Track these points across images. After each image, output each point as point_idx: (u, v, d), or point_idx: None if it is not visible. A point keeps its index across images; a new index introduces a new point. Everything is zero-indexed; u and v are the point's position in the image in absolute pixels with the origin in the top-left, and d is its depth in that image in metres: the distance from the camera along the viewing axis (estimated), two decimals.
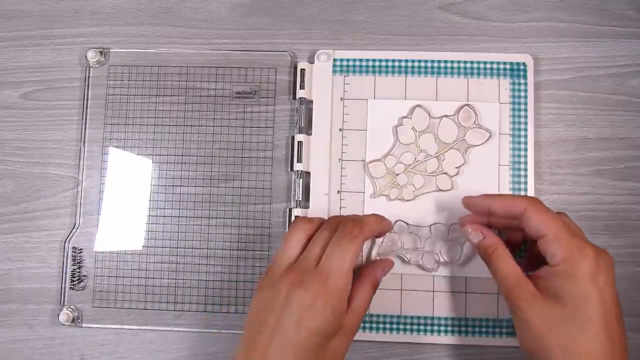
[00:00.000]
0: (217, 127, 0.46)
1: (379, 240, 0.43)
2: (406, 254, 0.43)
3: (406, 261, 0.43)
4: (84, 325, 0.44)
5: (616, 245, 0.43)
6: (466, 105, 0.44)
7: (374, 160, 0.44)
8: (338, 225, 0.37)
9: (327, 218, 0.39)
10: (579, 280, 0.34)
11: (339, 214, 0.44)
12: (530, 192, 0.43)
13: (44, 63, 0.47)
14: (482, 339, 0.42)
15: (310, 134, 0.44)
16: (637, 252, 0.43)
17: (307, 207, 0.44)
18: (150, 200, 0.45)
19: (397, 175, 0.44)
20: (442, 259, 0.42)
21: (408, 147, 0.44)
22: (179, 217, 0.45)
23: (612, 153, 0.44)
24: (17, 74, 0.47)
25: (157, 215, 0.45)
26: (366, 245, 0.43)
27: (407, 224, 0.43)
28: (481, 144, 0.43)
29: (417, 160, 0.44)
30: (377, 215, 0.40)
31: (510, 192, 0.43)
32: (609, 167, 0.44)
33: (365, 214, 0.43)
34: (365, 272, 0.39)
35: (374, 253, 0.43)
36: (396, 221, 0.43)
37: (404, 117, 0.44)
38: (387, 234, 0.42)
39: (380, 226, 0.40)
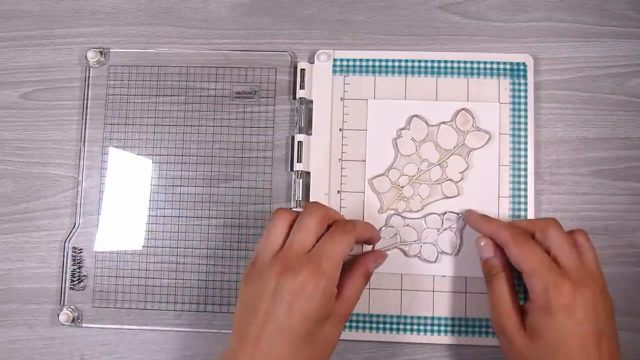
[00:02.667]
0: (217, 127, 0.46)
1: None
2: (405, 247, 0.43)
3: (407, 254, 0.43)
4: (84, 325, 0.44)
5: (616, 245, 0.43)
6: (463, 109, 0.44)
7: (377, 175, 0.44)
8: (320, 213, 0.37)
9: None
10: (555, 316, 0.34)
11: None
12: (530, 192, 0.43)
13: (44, 63, 0.47)
14: (482, 339, 0.42)
15: (310, 134, 0.44)
16: (637, 252, 0.43)
17: None
18: (150, 200, 0.45)
19: (402, 187, 0.44)
20: (440, 250, 0.43)
21: (410, 158, 0.44)
22: (179, 217, 0.45)
23: (612, 153, 0.44)
24: (17, 74, 0.47)
25: (157, 215, 0.45)
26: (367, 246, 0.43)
27: (403, 217, 0.43)
28: (482, 147, 0.43)
29: (421, 170, 0.44)
30: (367, 222, 0.41)
31: (510, 199, 0.43)
32: (609, 167, 0.44)
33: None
34: (356, 262, 0.39)
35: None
36: (392, 215, 0.43)
37: (402, 129, 0.44)
38: (384, 228, 0.43)
39: (369, 231, 0.40)
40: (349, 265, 0.38)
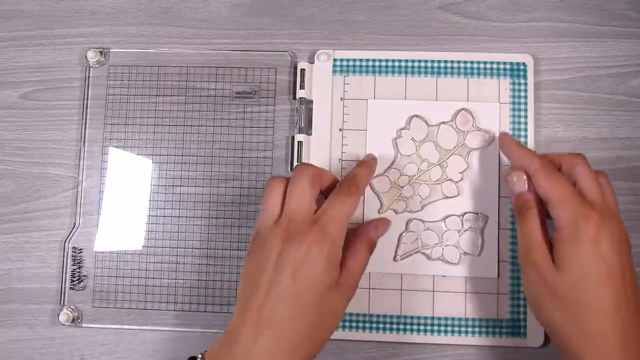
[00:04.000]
0: (217, 127, 0.46)
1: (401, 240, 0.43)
2: (428, 250, 0.43)
3: (430, 258, 0.43)
4: (84, 325, 0.44)
5: None
6: (463, 109, 0.44)
7: (377, 175, 0.44)
8: (310, 174, 0.37)
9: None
10: (582, 245, 0.34)
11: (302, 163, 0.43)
12: None
13: (44, 63, 0.47)
14: (482, 339, 0.42)
15: (310, 134, 0.44)
16: (637, 252, 0.43)
17: None
18: (150, 200, 0.45)
19: (402, 187, 0.44)
20: (462, 251, 0.43)
21: (410, 158, 0.44)
22: (179, 217, 0.45)
23: (612, 153, 0.44)
24: (17, 74, 0.47)
25: (157, 215, 0.45)
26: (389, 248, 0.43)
27: (422, 221, 0.43)
28: (482, 147, 0.43)
29: (421, 170, 0.44)
30: (364, 166, 0.40)
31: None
32: (609, 167, 0.44)
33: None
34: (359, 232, 0.39)
35: (398, 257, 0.43)
36: (412, 219, 0.43)
37: (402, 129, 0.44)
38: (405, 234, 0.43)
39: (370, 174, 0.41)
40: (351, 235, 0.38)
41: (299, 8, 0.47)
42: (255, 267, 0.35)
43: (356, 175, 0.39)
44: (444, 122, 0.44)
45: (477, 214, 0.43)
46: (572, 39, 0.45)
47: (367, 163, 0.41)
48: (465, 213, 0.43)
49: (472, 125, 0.44)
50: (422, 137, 0.44)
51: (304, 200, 0.36)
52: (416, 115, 0.44)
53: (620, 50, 0.45)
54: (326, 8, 0.47)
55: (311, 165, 0.38)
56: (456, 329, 0.42)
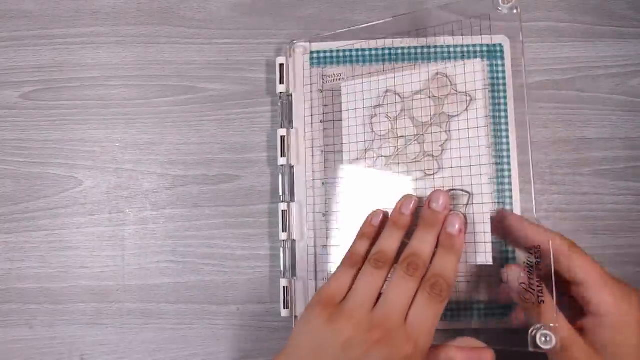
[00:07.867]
0: (217, 127, 0.46)
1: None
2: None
3: None
4: (87, 324, 0.44)
5: (616, 245, 0.43)
6: (438, 73, 0.41)
7: (355, 159, 0.42)
8: (419, 275, 0.34)
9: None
10: (632, 330, 0.32)
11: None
12: (515, 175, 0.42)
13: (43, 63, 0.47)
14: (473, 322, 0.41)
15: (292, 128, 0.44)
16: (637, 252, 0.43)
17: (293, 201, 0.44)
18: (149, 200, 0.45)
19: (379, 169, 0.42)
20: None
21: (385, 137, 0.42)
22: (179, 217, 0.45)
23: (612, 153, 0.44)
24: (17, 74, 0.47)
25: (157, 215, 0.45)
26: None
27: None
28: (463, 112, 0.40)
29: (398, 149, 0.41)
30: (453, 256, 0.35)
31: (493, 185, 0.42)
32: (609, 167, 0.44)
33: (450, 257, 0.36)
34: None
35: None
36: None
37: (376, 107, 0.42)
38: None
39: (458, 262, 0.36)
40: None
41: (299, 8, 0.47)
42: (331, 341, 0.32)
43: (451, 276, 0.34)
44: (417, 92, 0.41)
45: (461, 190, 0.39)
46: (572, 39, 0.45)
47: (455, 250, 0.35)
48: (449, 191, 0.39)
49: (451, 89, 0.40)
50: (397, 112, 0.42)
51: (406, 300, 0.34)
52: (388, 90, 0.42)
53: (620, 50, 0.45)
54: (326, 8, 0.47)
55: (422, 265, 0.34)
56: (448, 312, 0.41)
